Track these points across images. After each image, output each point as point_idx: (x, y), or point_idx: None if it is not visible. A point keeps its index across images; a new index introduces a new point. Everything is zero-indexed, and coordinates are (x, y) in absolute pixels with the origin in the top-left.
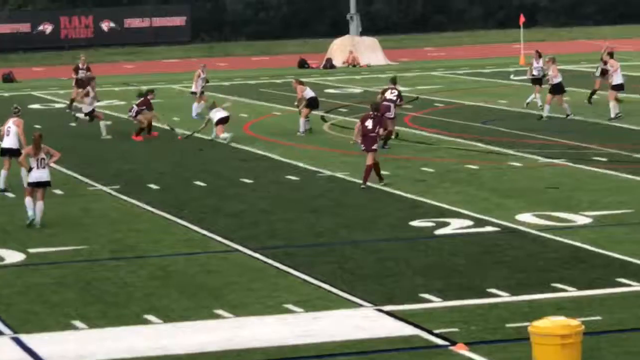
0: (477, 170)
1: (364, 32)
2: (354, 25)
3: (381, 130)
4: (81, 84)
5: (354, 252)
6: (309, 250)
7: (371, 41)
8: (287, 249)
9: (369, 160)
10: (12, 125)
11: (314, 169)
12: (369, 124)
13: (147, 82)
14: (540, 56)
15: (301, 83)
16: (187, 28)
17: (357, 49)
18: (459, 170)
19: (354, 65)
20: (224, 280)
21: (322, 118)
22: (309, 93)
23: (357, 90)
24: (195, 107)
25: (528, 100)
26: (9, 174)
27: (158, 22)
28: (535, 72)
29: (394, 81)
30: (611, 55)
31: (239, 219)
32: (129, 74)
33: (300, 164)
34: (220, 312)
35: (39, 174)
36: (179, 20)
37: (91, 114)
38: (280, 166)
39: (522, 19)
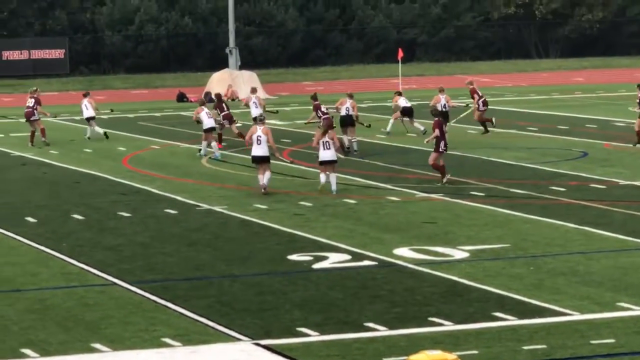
0: (355, 204)
1: (243, 65)
2: (233, 58)
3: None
4: None
5: (232, 286)
6: (187, 284)
7: (250, 75)
8: (165, 283)
9: (441, 160)
10: (261, 134)
11: (192, 202)
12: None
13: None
14: None
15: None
16: (65, 61)
17: (235, 82)
18: (337, 205)
19: (233, 99)
20: (102, 314)
21: (199, 151)
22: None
23: (236, 124)
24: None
25: None
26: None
27: (36, 54)
28: None
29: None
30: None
31: (117, 253)
32: (7, 107)
33: (179, 197)
34: (97, 345)
35: None
36: (57, 53)
37: None
38: (159, 199)
39: (400, 53)
